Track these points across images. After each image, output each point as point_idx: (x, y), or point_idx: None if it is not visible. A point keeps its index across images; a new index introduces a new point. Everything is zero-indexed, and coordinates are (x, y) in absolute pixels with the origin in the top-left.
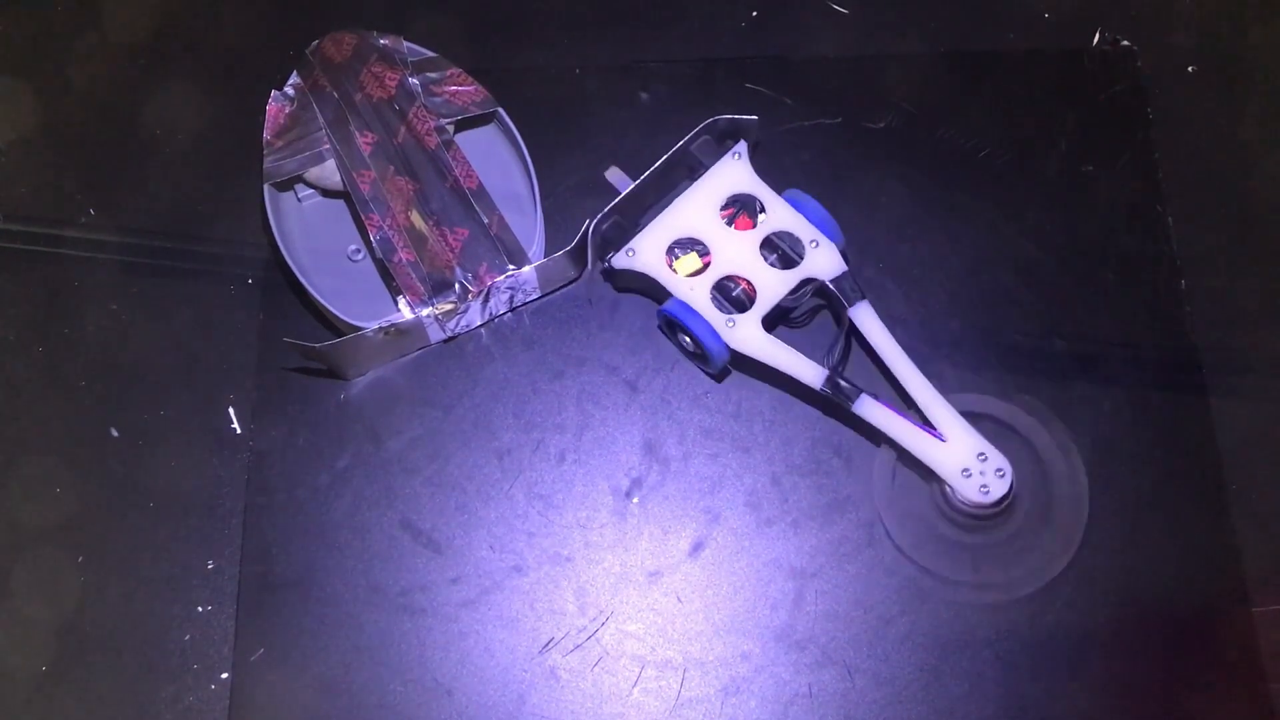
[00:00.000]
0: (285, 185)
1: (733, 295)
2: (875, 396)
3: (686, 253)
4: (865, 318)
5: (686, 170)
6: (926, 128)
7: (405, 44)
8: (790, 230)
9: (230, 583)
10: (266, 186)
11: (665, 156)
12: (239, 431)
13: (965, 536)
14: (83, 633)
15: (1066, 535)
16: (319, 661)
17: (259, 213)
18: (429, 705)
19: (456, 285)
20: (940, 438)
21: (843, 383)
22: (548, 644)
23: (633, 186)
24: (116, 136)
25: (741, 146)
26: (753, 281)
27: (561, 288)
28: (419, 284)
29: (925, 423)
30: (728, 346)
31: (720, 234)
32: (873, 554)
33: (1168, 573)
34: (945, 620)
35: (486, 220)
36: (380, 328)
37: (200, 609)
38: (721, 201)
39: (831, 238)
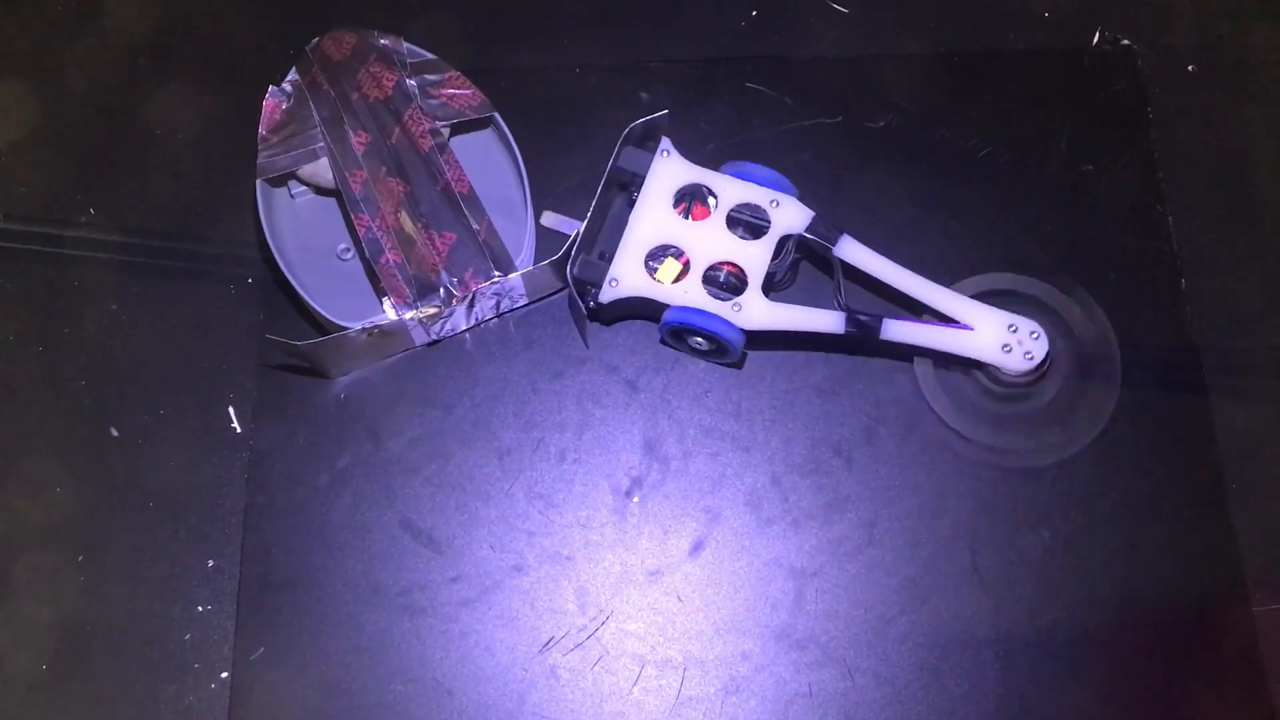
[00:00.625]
0: (279, 181)
1: (723, 282)
2: (896, 317)
3: (662, 261)
4: (851, 249)
5: (619, 188)
6: (926, 128)
7: (405, 45)
8: (746, 200)
9: (230, 582)
10: (259, 182)
11: (601, 184)
12: (239, 431)
13: (1015, 407)
14: (83, 633)
15: (1108, 377)
16: (319, 661)
17: (256, 211)
18: (429, 705)
19: (441, 289)
20: (967, 327)
21: (862, 317)
22: (548, 643)
23: (584, 224)
24: (116, 136)
25: (666, 143)
26: (735, 262)
27: (550, 295)
28: (404, 286)
29: (948, 321)
30: (742, 331)
31: (686, 231)
32: (873, 554)
33: (1168, 573)
34: (945, 620)
35: (475, 226)
36: (364, 328)
37: (200, 609)
38: (672, 200)
39: (785, 190)
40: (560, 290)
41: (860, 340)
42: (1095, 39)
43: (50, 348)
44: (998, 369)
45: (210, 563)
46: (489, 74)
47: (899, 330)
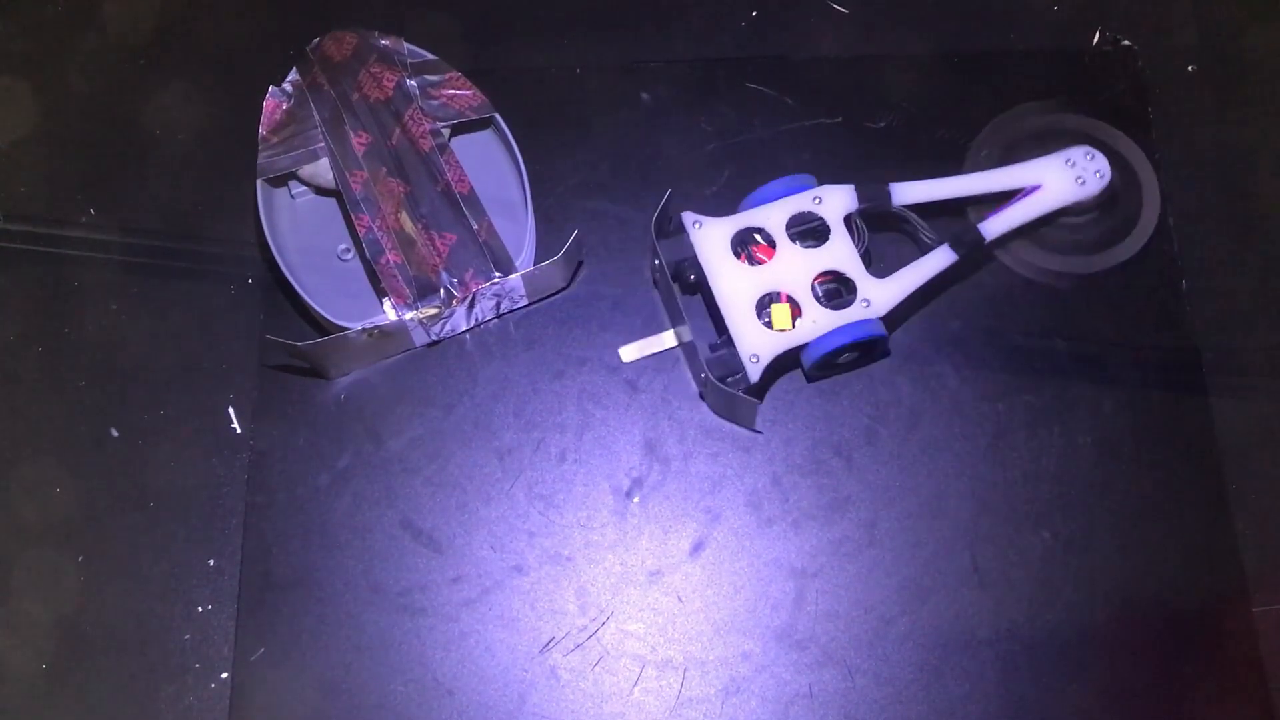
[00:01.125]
0: (279, 182)
1: (827, 294)
2: (984, 217)
3: (768, 310)
4: (906, 192)
5: (674, 276)
6: (926, 128)
7: (405, 45)
8: (791, 213)
9: (230, 582)
10: (259, 182)
11: (674, 293)
12: (239, 431)
13: (1093, 230)
14: (83, 633)
15: (1150, 188)
16: (319, 661)
17: (257, 211)
18: (429, 705)
19: (441, 290)
20: (1037, 186)
21: (964, 236)
22: (548, 643)
23: (685, 338)
24: (116, 136)
25: (689, 217)
26: (826, 270)
27: (550, 296)
28: (404, 286)
29: (1019, 193)
30: (880, 321)
31: (768, 273)
32: (873, 554)
33: (1168, 573)
34: (945, 620)
35: (476, 226)
36: (364, 329)
37: (200, 609)
38: (732, 256)
39: (808, 186)
40: (561, 290)
41: (971, 257)
42: (1095, 39)
43: (50, 348)
44: (1082, 201)
45: (211, 561)
46: (489, 74)
47: (997, 225)
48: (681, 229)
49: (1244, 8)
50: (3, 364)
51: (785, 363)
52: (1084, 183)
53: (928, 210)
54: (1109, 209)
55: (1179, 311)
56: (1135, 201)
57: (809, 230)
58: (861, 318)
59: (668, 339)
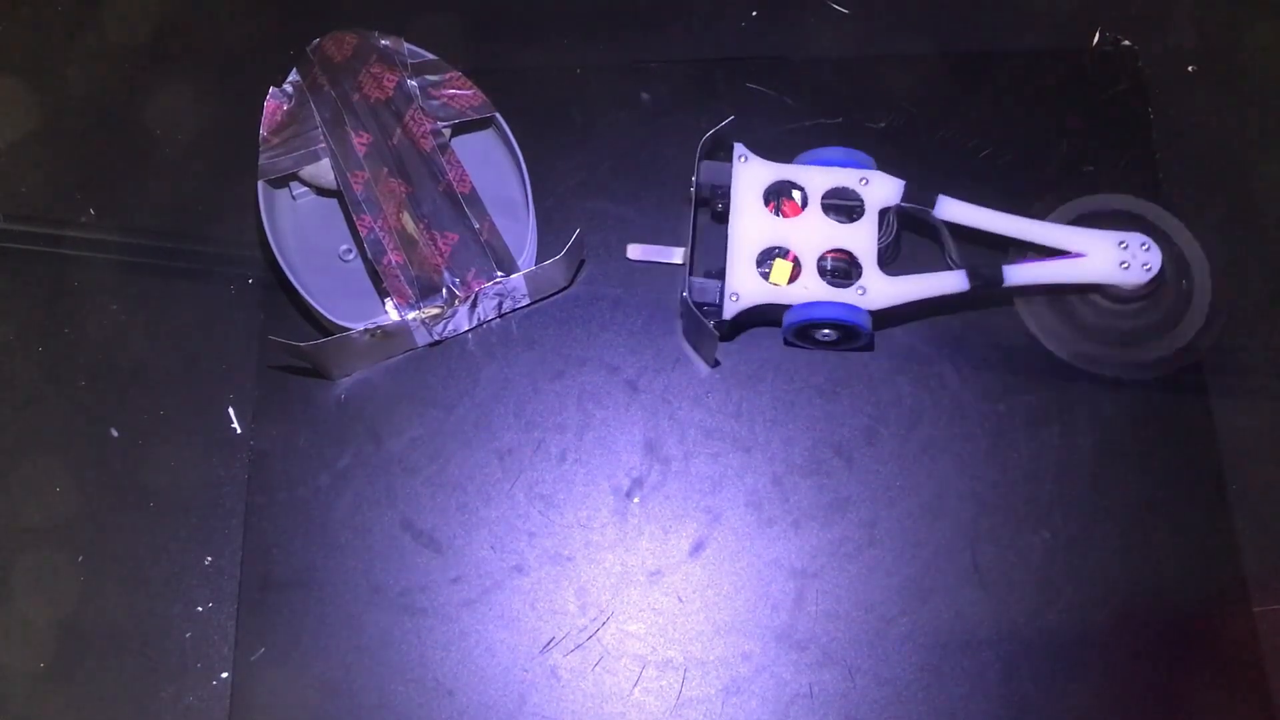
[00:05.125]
0: (280, 182)
1: (836, 269)
2: (1012, 262)
3: (771, 264)
4: (951, 208)
5: (701, 203)
6: (926, 128)
7: (406, 45)
8: (834, 185)
9: (230, 582)
10: (260, 183)
11: (692, 208)
12: (239, 431)
13: (1127, 322)
14: (83, 632)
15: (1201, 297)
16: (320, 661)
17: (258, 212)
18: (430, 705)
19: (444, 290)
20: (1081, 255)
21: (983, 270)
22: (549, 644)
23: (687, 250)
24: (116, 136)
25: (740, 148)
26: (842, 248)
27: (552, 295)
28: (407, 287)
29: (1058, 253)
30: (869, 313)
31: (786, 229)
32: (873, 554)
33: (1168, 573)
34: (946, 621)
35: (477, 225)
36: (366, 329)
37: (200, 608)
38: (762, 203)
39: (866, 166)
40: (562, 290)
41: (984, 293)
42: (1095, 39)
43: (50, 348)
44: (1118, 286)
45: (208, 559)
46: (489, 74)
47: (1020, 274)
48: (727, 158)
49: (1244, 8)
50: (3, 364)
51: (765, 317)
52: (1128, 268)
53: (966, 232)
54: (1148, 310)
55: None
56: (1177, 312)
57: (843, 206)
58: (852, 303)
59: (676, 255)
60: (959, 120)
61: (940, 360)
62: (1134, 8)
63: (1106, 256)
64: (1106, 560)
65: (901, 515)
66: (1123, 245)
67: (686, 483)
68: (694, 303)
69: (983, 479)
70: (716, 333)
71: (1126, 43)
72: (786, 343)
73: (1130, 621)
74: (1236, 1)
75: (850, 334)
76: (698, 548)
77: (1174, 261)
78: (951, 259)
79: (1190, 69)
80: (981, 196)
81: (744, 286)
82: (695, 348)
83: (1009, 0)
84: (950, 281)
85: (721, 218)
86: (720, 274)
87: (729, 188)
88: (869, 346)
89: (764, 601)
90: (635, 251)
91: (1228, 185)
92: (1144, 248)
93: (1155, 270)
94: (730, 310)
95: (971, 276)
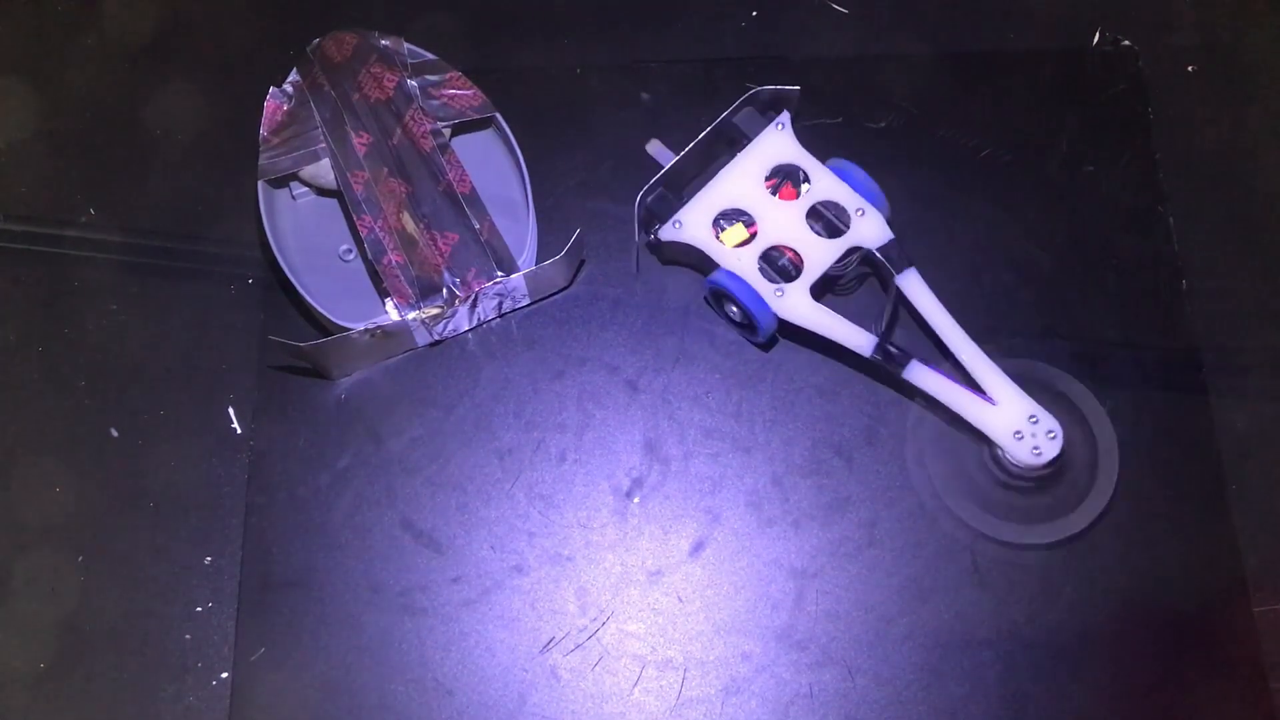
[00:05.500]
0: (280, 182)
1: (779, 265)
2: (925, 362)
3: (733, 224)
4: (913, 285)
5: (727, 143)
6: (926, 128)
7: (406, 45)
8: (835, 199)
9: (230, 582)
10: (260, 183)
11: (709, 128)
12: (239, 431)
13: (1014, 498)
14: (83, 632)
15: (1101, 492)
16: (320, 661)
17: (258, 212)
18: (429, 705)
19: (444, 290)
20: (991, 401)
21: (892, 349)
22: (548, 644)
23: (676, 159)
24: (116, 136)
25: (784, 117)
26: (799, 251)
27: (552, 295)
28: (407, 287)
29: (975, 387)
30: (776, 316)
31: (766, 204)
32: (873, 554)
33: (1168, 573)
34: (946, 621)
35: (477, 225)
36: (366, 329)
37: (200, 609)
38: (766, 172)
39: (877, 206)
40: (562, 290)
41: (882, 370)
42: (1095, 39)
43: (50, 348)
44: (1004, 452)
45: (208, 559)
46: (489, 74)
47: (923, 376)
48: (770, 119)
49: (1244, 8)
50: (3, 364)
51: (696, 264)
52: (1020, 439)
53: (912, 313)
54: (1031, 494)
55: (1179, 311)
56: (1072, 498)
57: (829, 220)
58: (763, 297)
59: (672, 162)
60: (959, 120)
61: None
62: (1134, 8)
63: (1010, 418)
64: (1106, 560)
65: (902, 515)
66: (1032, 419)
67: (686, 483)
68: (647, 207)
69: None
70: (641, 239)
71: (1126, 43)
72: (705, 300)
73: (1130, 621)
74: (1236, 1)
75: (750, 324)
76: (698, 548)
77: (1086, 466)
78: (876, 324)
79: (1190, 69)
80: (982, 196)
81: (691, 223)
82: (634, 249)
83: (1009, 0)
84: (858, 339)
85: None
86: (684, 201)
87: (752, 140)
88: (765, 346)
89: (764, 601)
90: (654, 146)
91: (1228, 185)
92: (1049, 435)
93: (1045, 459)
94: (668, 234)
95: (878, 348)
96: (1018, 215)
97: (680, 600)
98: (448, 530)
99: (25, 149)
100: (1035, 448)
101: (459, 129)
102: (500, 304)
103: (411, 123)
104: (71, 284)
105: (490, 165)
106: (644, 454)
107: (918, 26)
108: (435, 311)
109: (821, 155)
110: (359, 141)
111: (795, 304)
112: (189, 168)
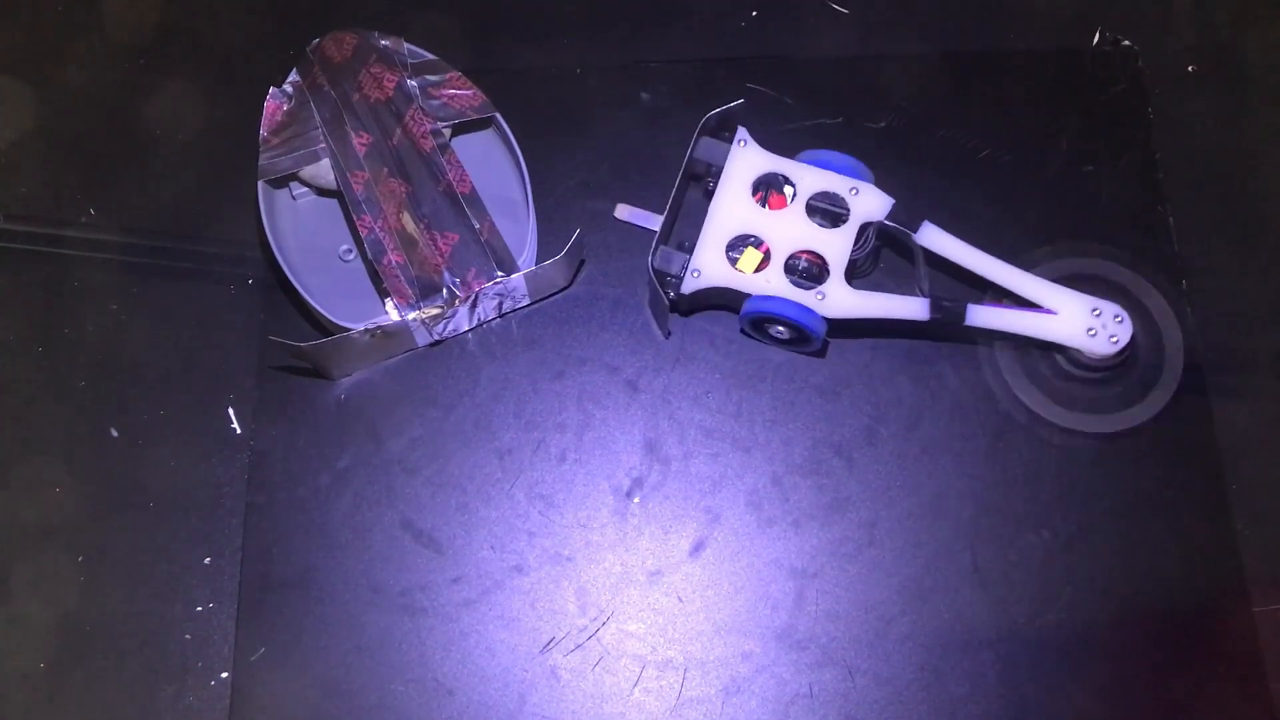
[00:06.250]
0: (280, 182)
1: (802, 270)
2: (979, 302)
3: (743, 251)
4: (933, 236)
5: (693, 179)
6: (926, 128)
7: (406, 45)
8: (825, 189)
9: (230, 582)
10: (260, 184)
11: (679, 174)
12: (239, 431)
13: (1098, 391)
14: (83, 633)
15: (1173, 368)
16: (320, 661)
17: (258, 212)
18: (430, 705)
19: (444, 290)
20: (1052, 312)
21: (946, 303)
22: (548, 644)
23: (664, 218)
24: (116, 136)
25: (743, 133)
26: (815, 250)
27: (552, 295)
28: (407, 287)
29: (1030, 305)
30: (824, 319)
31: (765, 220)
32: (873, 554)
33: (1168, 573)
34: (946, 621)
35: (477, 225)
36: (366, 329)
37: (200, 608)
38: (750, 190)
39: (862, 178)
40: (562, 290)
41: (943, 326)
42: (1095, 39)
43: (50, 348)
44: (1080, 352)
45: (208, 559)
46: (489, 74)
47: (983, 316)
48: (728, 139)
49: (1244, 8)
50: (3, 364)
51: (725, 302)
52: (1094, 335)
53: (942, 263)
54: (1118, 378)
55: (1179, 311)
56: (1145, 384)
57: (827, 210)
58: (807, 305)
59: (658, 222)
60: (959, 120)
61: (940, 360)
62: (1134, 8)
63: (1076, 319)
64: (1106, 560)
65: (901, 515)
66: (1095, 312)
67: (686, 483)
68: (657, 270)
69: (983, 479)
70: (666, 302)
71: (1126, 43)
72: (742, 332)
73: (1130, 622)
74: (1236, 2)
75: (802, 336)
76: (698, 548)
77: (1149, 339)
78: (920, 286)
79: (1190, 69)
80: (982, 196)
81: (708, 265)
82: (654, 316)
83: (1009, 0)
84: (911, 307)
85: (712, 196)
86: (688, 250)
87: (720, 169)
88: (821, 353)
89: (764, 601)
90: (623, 212)
91: (1228, 185)
92: (1116, 319)
93: (1122, 344)
94: (690, 286)
95: (933, 307)
96: (1018, 215)
97: (680, 600)
98: (448, 530)
99: (25, 149)
100: (1111, 336)
101: (459, 129)
102: (500, 304)
103: (411, 123)
104: (71, 284)
105: (490, 165)
106: (644, 454)
107: (918, 26)
108: (435, 311)
109: (793, 154)
110: (359, 141)
111: (839, 300)
112: (189, 168)
